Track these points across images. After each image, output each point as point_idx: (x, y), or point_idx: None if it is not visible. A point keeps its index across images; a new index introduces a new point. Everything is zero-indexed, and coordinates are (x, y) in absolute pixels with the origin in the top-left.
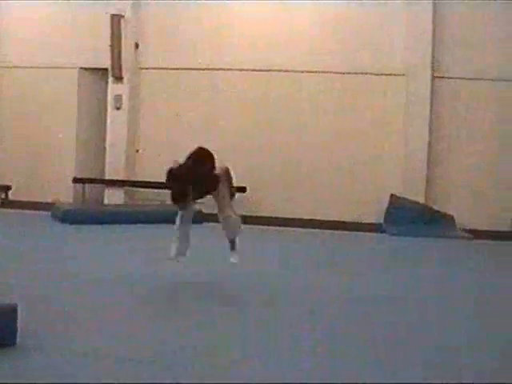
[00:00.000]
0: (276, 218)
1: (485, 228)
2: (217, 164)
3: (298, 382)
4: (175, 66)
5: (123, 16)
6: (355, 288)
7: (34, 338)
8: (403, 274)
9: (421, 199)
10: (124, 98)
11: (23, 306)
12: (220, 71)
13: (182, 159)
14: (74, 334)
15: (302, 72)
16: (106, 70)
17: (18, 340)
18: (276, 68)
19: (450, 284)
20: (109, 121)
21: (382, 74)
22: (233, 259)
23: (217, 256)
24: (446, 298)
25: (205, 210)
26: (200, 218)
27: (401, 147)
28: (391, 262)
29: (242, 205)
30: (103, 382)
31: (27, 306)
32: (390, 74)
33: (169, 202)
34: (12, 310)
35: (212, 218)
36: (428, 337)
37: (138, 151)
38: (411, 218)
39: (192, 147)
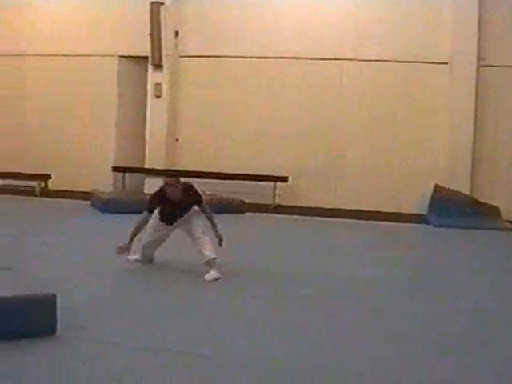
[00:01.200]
0: (318, 208)
1: None
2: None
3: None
4: (215, 54)
5: (163, 3)
6: (405, 281)
7: (73, 328)
8: (449, 267)
9: (465, 190)
10: (164, 86)
11: (63, 295)
12: (262, 59)
13: (222, 148)
14: (114, 325)
15: (346, 60)
16: (145, 58)
17: (57, 330)
18: (319, 56)
19: (504, 278)
20: (149, 109)
21: (425, 62)
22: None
23: (261, 245)
24: (501, 295)
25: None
26: (242, 208)
27: (445, 137)
28: (435, 255)
29: (283, 195)
30: (140, 372)
31: (67, 296)
32: (433, 63)
33: (208, 191)
34: (51, 300)
35: (253, 207)
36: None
37: (177, 140)
38: (455, 209)
39: (233, 137)
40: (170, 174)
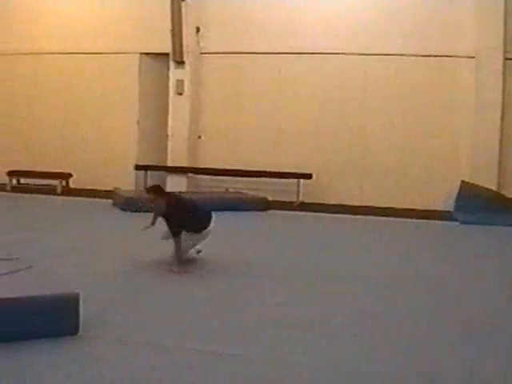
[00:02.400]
0: (343, 205)
1: None
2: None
3: None
4: (237, 50)
5: (184, 0)
6: (431, 279)
7: (96, 327)
8: (475, 265)
9: (493, 186)
10: (186, 83)
11: (86, 295)
12: (284, 55)
13: (245, 145)
14: (138, 324)
15: (370, 56)
16: (167, 55)
17: (80, 329)
18: (343, 51)
19: None
20: (170, 107)
21: (450, 56)
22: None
23: (284, 242)
24: None
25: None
26: (265, 206)
27: (472, 132)
28: (462, 253)
29: (307, 192)
30: (167, 373)
31: (90, 295)
32: (459, 56)
33: (231, 189)
34: (74, 299)
35: (276, 205)
36: None
37: (200, 137)
38: (482, 206)
39: (256, 134)
40: (193, 171)
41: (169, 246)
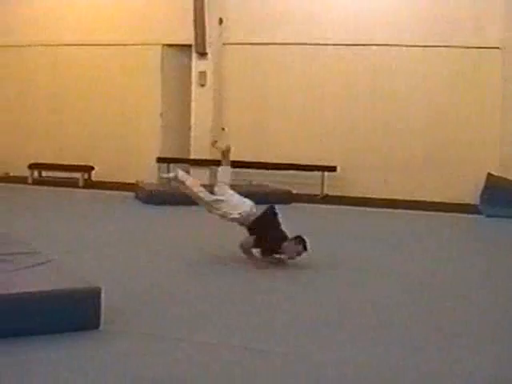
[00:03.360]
0: (368, 198)
1: None
2: None
3: None
4: (261, 41)
5: None
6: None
7: (118, 322)
8: (502, 260)
9: None
10: (208, 74)
11: (108, 289)
12: (308, 46)
13: (268, 137)
14: (160, 319)
15: (394, 46)
16: (189, 46)
17: (101, 324)
18: (369, 42)
19: None
20: (193, 98)
21: (475, 47)
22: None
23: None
24: None
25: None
26: (289, 199)
27: (498, 124)
28: (489, 246)
29: (332, 185)
30: (187, 368)
31: (112, 289)
32: (484, 48)
33: (254, 181)
34: (96, 293)
35: (300, 198)
36: None
37: (223, 129)
38: (510, 199)
39: (280, 126)
40: (216, 164)
41: (191, 238)
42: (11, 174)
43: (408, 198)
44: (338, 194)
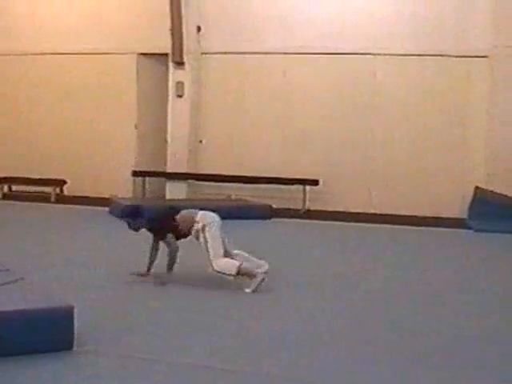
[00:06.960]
0: (351, 213)
1: None
2: None
3: None
4: (240, 50)
5: None
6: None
7: (91, 341)
8: (492, 275)
9: (509, 192)
10: (186, 84)
11: (80, 308)
12: (288, 55)
13: (248, 150)
14: (133, 339)
15: (378, 55)
16: (166, 55)
17: (74, 344)
18: (350, 51)
19: None
20: (170, 109)
21: (463, 56)
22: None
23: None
24: None
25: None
26: (269, 214)
27: (485, 135)
28: (478, 262)
29: (314, 199)
30: None
31: (84, 309)
32: (472, 56)
33: (233, 196)
34: (68, 313)
35: (281, 212)
36: None
37: (201, 142)
38: (498, 213)
39: (260, 138)
40: (194, 177)
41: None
42: None
43: (392, 212)
44: (321, 208)
